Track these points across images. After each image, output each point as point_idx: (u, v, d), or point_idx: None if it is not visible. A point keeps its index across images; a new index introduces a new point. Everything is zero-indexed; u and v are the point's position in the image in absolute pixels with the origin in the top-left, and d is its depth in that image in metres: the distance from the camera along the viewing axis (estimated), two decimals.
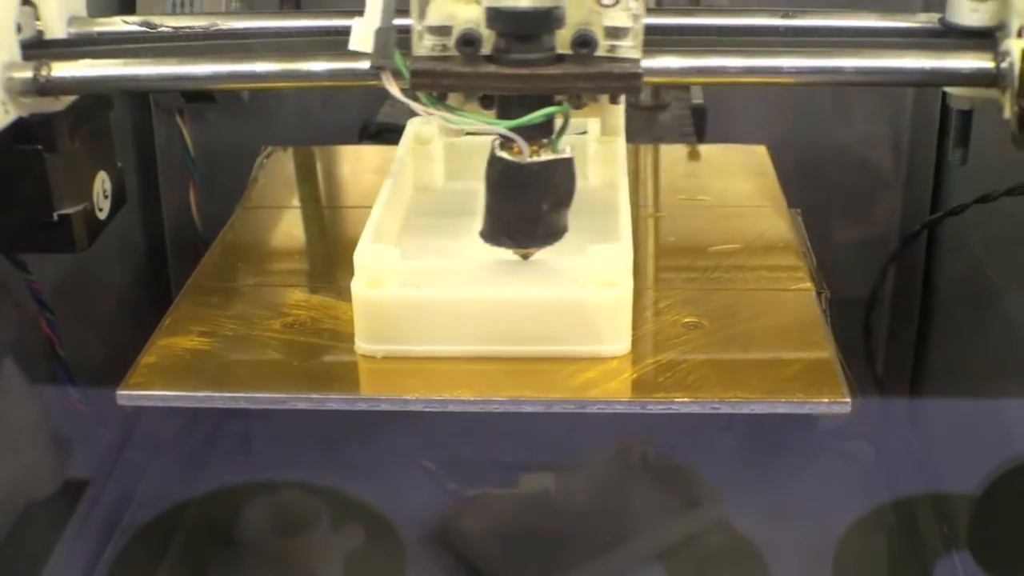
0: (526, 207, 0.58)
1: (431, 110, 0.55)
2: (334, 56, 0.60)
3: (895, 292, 1.07)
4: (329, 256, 0.77)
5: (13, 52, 0.60)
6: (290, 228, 0.82)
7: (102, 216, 0.68)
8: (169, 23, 0.66)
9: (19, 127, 0.60)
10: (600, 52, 0.54)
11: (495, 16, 0.54)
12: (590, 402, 0.60)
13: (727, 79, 0.61)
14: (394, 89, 0.54)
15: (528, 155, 0.56)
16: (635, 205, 0.79)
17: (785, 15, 0.65)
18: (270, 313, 0.68)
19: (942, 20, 0.64)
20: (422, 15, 0.55)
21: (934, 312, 1.04)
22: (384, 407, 0.62)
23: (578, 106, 0.57)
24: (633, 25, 0.54)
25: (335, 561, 0.91)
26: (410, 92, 0.55)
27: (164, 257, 1.05)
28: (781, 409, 0.60)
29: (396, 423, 0.95)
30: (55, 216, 0.64)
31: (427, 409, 0.61)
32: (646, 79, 0.55)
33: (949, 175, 1.00)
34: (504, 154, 0.56)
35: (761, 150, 0.88)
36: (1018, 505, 0.82)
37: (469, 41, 0.54)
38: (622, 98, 0.58)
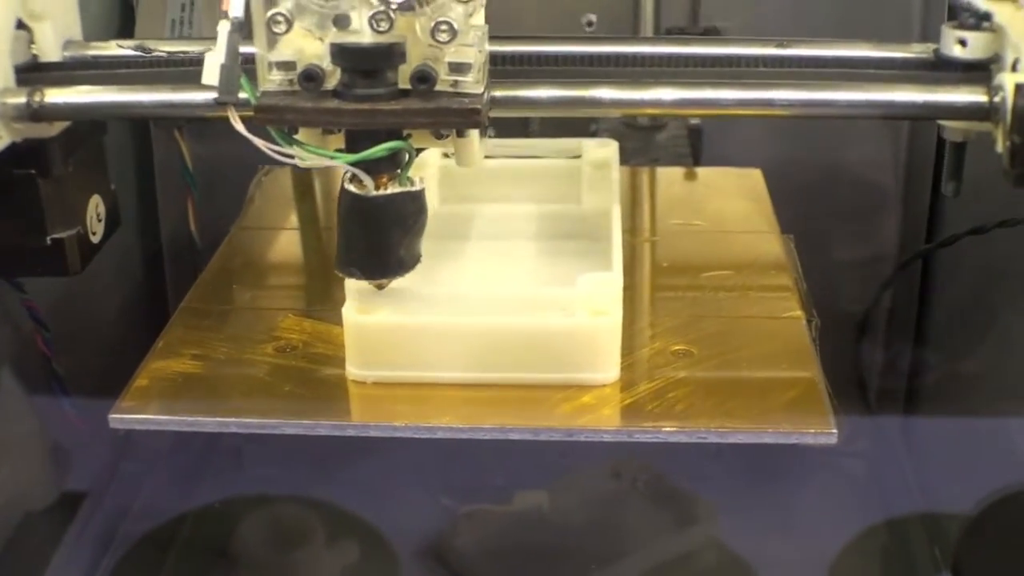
0: (374, 239, 0.58)
1: (278, 148, 0.55)
2: None
3: (890, 313, 1.07)
4: (323, 279, 0.77)
5: (7, 77, 0.60)
6: (285, 249, 0.82)
7: (95, 240, 0.68)
8: (164, 48, 0.66)
9: (12, 152, 0.60)
10: (443, 87, 0.55)
11: (338, 52, 0.54)
12: (578, 430, 0.61)
13: (720, 111, 0.62)
14: (238, 125, 0.54)
15: (373, 188, 0.56)
16: (630, 229, 0.80)
17: (779, 44, 0.65)
18: (263, 336, 0.69)
19: (936, 51, 0.64)
20: (270, 49, 0.55)
21: (929, 332, 1.04)
22: (373, 433, 0.62)
23: (439, 136, 0.58)
24: (474, 60, 0.55)
25: None
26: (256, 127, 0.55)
27: (162, 273, 1.05)
28: (768, 439, 0.60)
29: (391, 440, 0.95)
30: (48, 240, 0.64)
31: (416, 436, 0.61)
32: (641, 110, 0.56)
33: (946, 199, 1.00)
34: (352, 187, 0.57)
35: (756, 174, 0.88)
36: (1010, 528, 0.82)
37: (311, 77, 0.55)
38: (473, 132, 0.58)
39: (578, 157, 0.78)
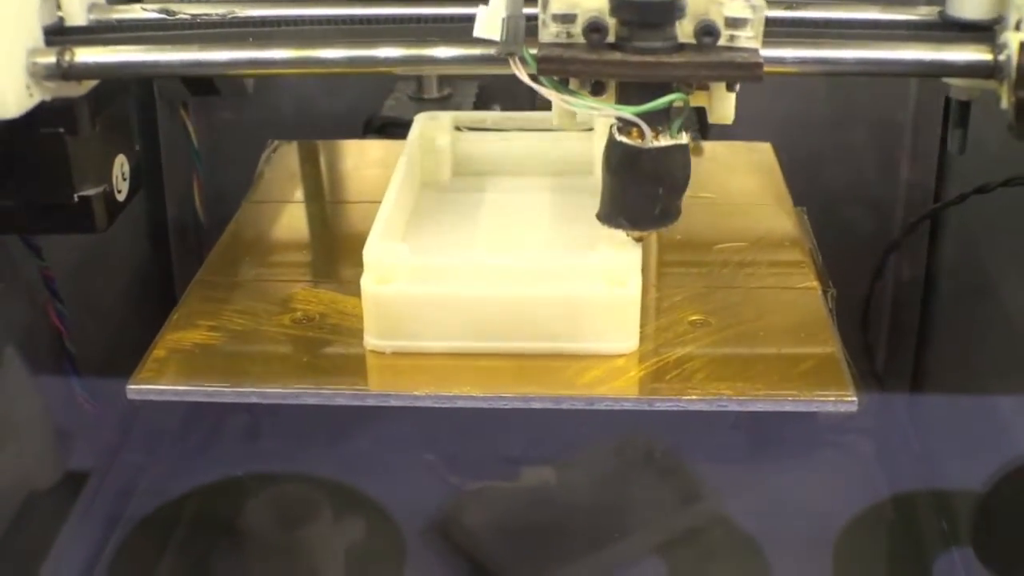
0: (645, 190, 0.58)
1: (556, 95, 0.56)
2: (350, 44, 0.62)
3: (896, 287, 1.07)
4: (336, 251, 0.77)
5: (36, 38, 0.61)
6: (296, 223, 0.82)
7: (120, 198, 0.69)
8: (187, 10, 0.67)
9: (42, 111, 0.61)
10: (720, 42, 0.55)
11: (621, 5, 0.55)
12: (598, 399, 0.61)
13: None
14: (522, 74, 0.55)
15: (649, 140, 0.57)
16: None
17: (789, 6, 0.66)
18: (278, 308, 0.69)
19: (942, 13, 0.65)
20: (546, 4, 0.56)
21: (935, 307, 1.04)
22: (393, 403, 0.62)
23: (689, 93, 0.58)
24: (753, 16, 0.55)
25: (336, 553, 0.91)
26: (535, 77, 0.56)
27: (167, 249, 1.04)
28: (788, 407, 0.60)
29: (398, 416, 0.95)
30: (76, 197, 0.65)
31: (436, 405, 0.61)
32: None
33: (951, 171, 1.00)
34: (624, 139, 0.57)
35: (766, 147, 0.88)
36: (1018, 503, 0.82)
37: (596, 28, 0.55)
38: (736, 87, 0.59)
39: (590, 129, 0.77)
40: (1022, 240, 0.85)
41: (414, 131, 0.77)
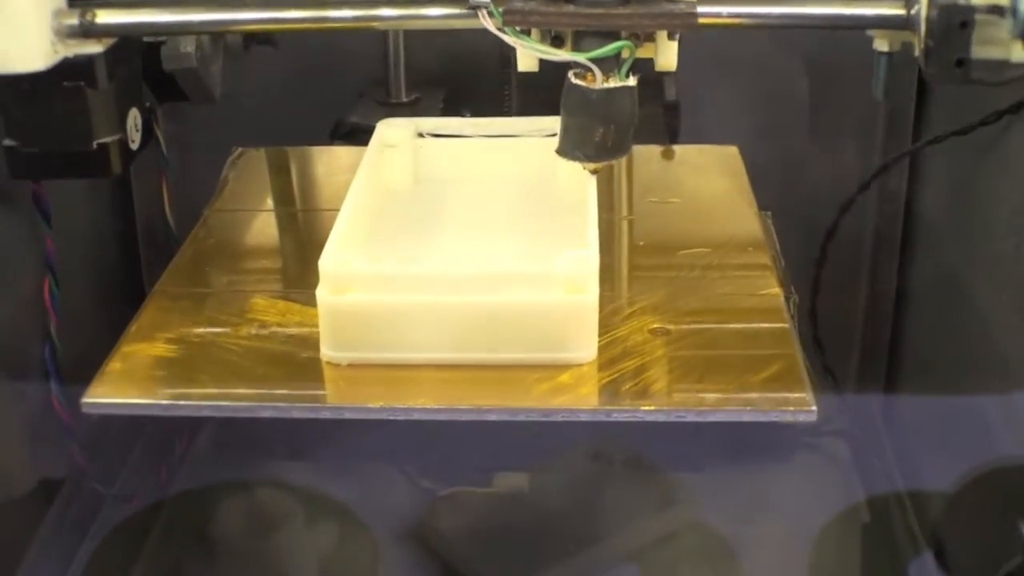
0: (597, 127, 0.63)
1: (518, 42, 0.63)
2: (351, 4, 0.67)
3: (871, 289, 1.07)
4: (299, 260, 0.77)
5: (60, 0, 0.66)
6: (260, 231, 0.81)
7: (133, 147, 0.75)
8: None
9: (64, 66, 0.67)
10: None
11: None
12: (555, 410, 0.60)
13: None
14: (490, 26, 0.63)
15: (600, 82, 0.62)
16: (607, 207, 0.79)
17: None
18: (237, 319, 0.68)
19: None
20: None
21: (908, 310, 1.03)
22: (348, 415, 0.62)
23: (638, 44, 0.64)
24: None
25: (309, 560, 0.91)
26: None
27: (136, 255, 1.04)
28: (747, 418, 0.60)
29: (370, 422, 0.95)
30: (94, 145, 0.71)
31: (391, 417, 0.61)
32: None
33: (925, 191, 0.99)
34: (579, 82, 0.63)
35: (733, 151, 0.88)
36: (991, 504, 0.82)
37: None
38: (676, 36, 0.66)
39: (554, 135, 0.77)
40: (992, 256, 0.85)
41: (375, 138, 0.77)
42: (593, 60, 0.62)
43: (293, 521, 0.91)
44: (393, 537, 0.92)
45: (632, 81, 0.63)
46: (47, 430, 0.86)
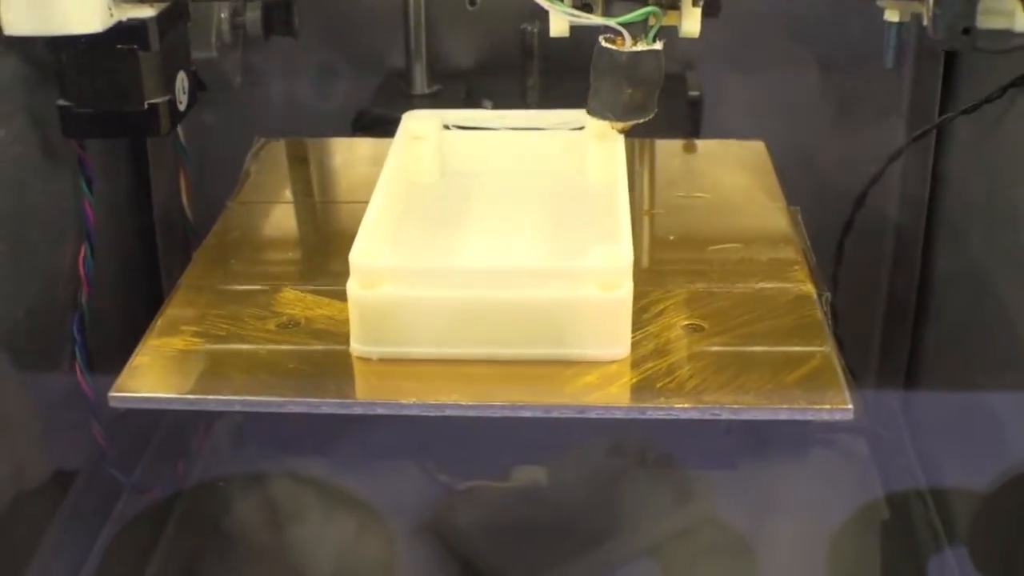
0: (625, 87, 0.67)
1: (552, 6, 0.66)
2: None
3: (891, 286, 1.06)
4: (323, 253, 0.76)
5: None
6: (283, 223, 0.81)
7: (181, 108, 0.78)
8: None
9: (119, 29, 0.72)
10: None
11: None
12: (589, 407, 0.60)
13: None
14: None
15: (629, 46, 0.66)
16: (632, 202, 0.79)
17: None
18: (263, 312, 0.68)
19: None
20: None
21: (930, 308, 1.03)
22: (380, 411, 0.61)
23: (673, 7, 0.67)
24: None
25: (326, 554, 0.91)
26: None
27: (154, 247, 1.03)
28: (783, 415, 0.59)
29: (389, 416, 0.95)
30: (146, 105, 0.74)
31: (423, 413, 0.60)
32: None
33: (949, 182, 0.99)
34: (609, 45, 0.66)
35: (759, 146, 0.87)
36: (1013, 503, 0.81)
37: None
38: (700, 2, 0.68)
39: (581, 128, 0.76)
40: (1016, 250, 0.84)
41: (401, 131, 0.76)
42: (622, 24, 0.65)
43: (310, 514, 0.91)
44: (410, 531, 0.91)
45: (659, 45, 0.66)
46: (65, 419, 0.86)
